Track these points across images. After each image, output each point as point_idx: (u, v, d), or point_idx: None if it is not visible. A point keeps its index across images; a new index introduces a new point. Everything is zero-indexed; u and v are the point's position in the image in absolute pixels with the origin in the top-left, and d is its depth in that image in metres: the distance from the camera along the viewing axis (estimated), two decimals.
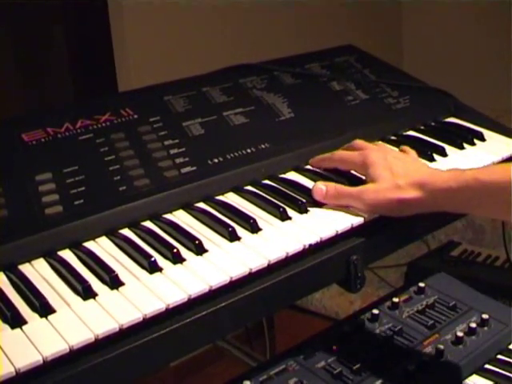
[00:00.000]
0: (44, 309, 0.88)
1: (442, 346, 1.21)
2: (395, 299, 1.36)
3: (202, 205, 1.13)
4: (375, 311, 1.31)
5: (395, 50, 3.70)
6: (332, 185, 1.14)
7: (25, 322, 0.86)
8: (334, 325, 1.31)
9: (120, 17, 2.64)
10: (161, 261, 0.97)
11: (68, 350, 0.81)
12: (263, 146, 1.26)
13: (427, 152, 1.30)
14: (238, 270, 0.95)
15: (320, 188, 1.14)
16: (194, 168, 1.17)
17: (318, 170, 1.23)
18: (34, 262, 0.99)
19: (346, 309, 2.60)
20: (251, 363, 1.66)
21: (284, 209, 1.10)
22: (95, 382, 0.84)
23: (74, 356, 0.82)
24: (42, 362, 0.80)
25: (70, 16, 3.04)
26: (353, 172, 1.20)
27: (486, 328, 1.30)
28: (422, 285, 1.41)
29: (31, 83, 3.33)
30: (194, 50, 2.75)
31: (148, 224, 1.08)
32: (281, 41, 2.97)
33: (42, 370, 0.80)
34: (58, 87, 3.29)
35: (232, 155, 1.21)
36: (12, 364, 0.79)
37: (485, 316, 1.31)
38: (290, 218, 1.09)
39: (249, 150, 1.24)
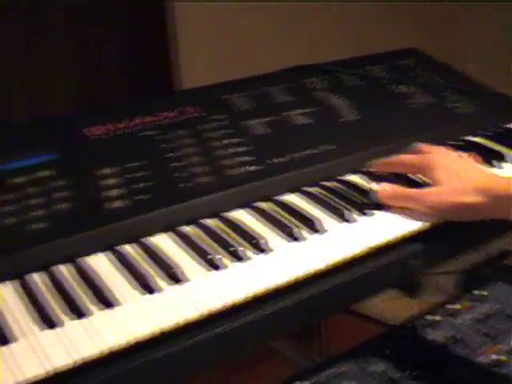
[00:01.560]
0: (104, 303, 0.89)
1: (499, 357, 1.20)
2: (452, 306, 1.34)
3: (262, 204, 1.13)
4: (431, 317, 1.30)
5: (459, 53, 3.65)
6: (392, 186, 1.14)
7: (83, 315, 0.87)
8: (389, 330, 1.31)
9: (176, 15, 2.65)
10: (222, 258, 0.97)
11: (133, 343, 0.82)
12: (325, 148, 1.25)
13: (489, 158, 1.28)
14: (298, 270, 0.95)
15: (381, 189, 1.13)
16: (256, 167, 1.17)
17: (378, 172, 1.22)
18: (94, 256, 1.00)
19: (402, 314, 2.57)
20: (300, 363, 1.66)
21: (344, 211, 1.09)
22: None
23: (135, 348, 0.82)
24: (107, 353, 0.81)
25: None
26: (411, 176, 1.19)
27: None
28: (480, 293, 1.39)
29: (83, 80, 3.37)
30: (249, 50, 2.75)
31: (208, 222, 1.08)
32: (342, 43, 2.95)
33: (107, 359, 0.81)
34: (110, 84, 3.31)
35: (294, 155, 1.21)
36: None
37: None
38: (349, 220, 1.08)
39: (310, 151, 1.23)
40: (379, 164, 1.23)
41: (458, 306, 1.35)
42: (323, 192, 1.16)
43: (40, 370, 0.77)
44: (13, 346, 0.81)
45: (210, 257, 0.97)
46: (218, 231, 1.05)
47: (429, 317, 1.29)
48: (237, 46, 2.73)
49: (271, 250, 1.00)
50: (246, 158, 1.18)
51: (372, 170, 1.23)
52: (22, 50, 2.99)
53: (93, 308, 0.88)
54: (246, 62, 2.56)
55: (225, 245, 1.00)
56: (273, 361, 2.74)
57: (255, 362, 2.93)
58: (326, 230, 1.05)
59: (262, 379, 2.95)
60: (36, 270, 0.98)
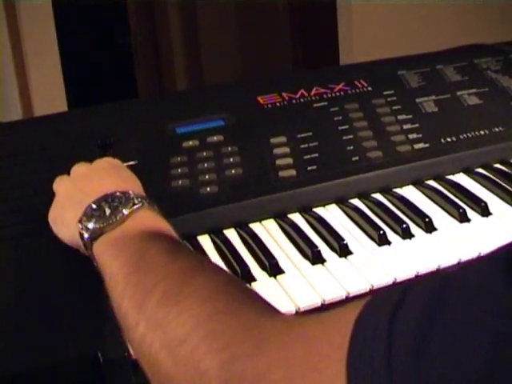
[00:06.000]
0: (273, 269, 0.91)
1: None
2: None
3: (432, 183, 1.12)
4: None
5: None
6: None
7: (254, 280, 0.90)
8: None
9: None
10: (388, 235, 0.98)
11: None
12: (497, 130, 1.22)
13: None
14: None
15: None
16: (427, 145, 1.15)
17: None
18: (264, 223, 1.03)
19: None
20: None
21: None
22: None
23: None
24: None
25: None
26: None
27: None
28: None
29: (249, 51, 3.42)
30: (416, 26, 2.71)
31: (378, 197, 1.08)
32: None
33: None
34: (277, 55, 3.35)
35: (465, 136, 1.18)
36: None
37: None
38: None
39: (482, 132, 1.20)
40: None
41: None
42: (496, 175, 1.14)
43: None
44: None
45: (381, 232, 0.97)
46: (389, 206, 1.05)
47: None
48: (405, 21, 2.70)
49: (438, 229, 1.00)
50: (419, 135, 1.16)
51: None
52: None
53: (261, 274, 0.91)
54: (414, 38, 2.53)
55: (394, 221, 1.01)
56: None
57: None
58: (496, 214, 1.04)
59: None
60: (203, 232, 1.01)
